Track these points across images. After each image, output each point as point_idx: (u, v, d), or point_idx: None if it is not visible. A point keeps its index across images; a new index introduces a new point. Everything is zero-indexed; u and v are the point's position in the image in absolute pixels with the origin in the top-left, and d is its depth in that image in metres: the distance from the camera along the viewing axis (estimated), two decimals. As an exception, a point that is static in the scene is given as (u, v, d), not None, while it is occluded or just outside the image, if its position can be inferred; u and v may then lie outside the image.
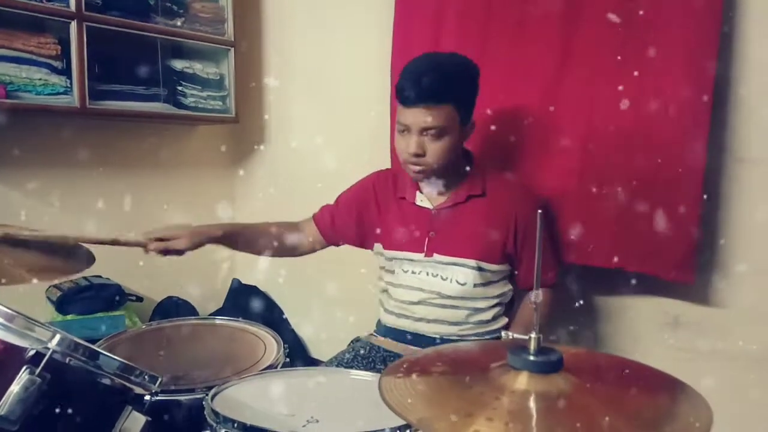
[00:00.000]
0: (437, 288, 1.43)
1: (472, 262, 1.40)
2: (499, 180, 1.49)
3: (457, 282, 1.42)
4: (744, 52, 1.37)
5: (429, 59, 1.39)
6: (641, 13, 1.40)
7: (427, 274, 1.44)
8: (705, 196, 1.37)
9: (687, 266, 1.39)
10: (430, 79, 1.31)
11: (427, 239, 1.44)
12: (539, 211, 0.74)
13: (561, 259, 1.54)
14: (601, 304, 1.65)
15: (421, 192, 1.48)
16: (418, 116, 1.33)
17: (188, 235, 1.40)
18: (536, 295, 0.77)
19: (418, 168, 1.38)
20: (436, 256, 1.43)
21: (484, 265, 1.41)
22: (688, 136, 1.36)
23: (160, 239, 1.38)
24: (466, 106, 1.38)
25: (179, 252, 1.40)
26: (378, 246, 1.54)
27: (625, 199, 1.44)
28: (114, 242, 1.32)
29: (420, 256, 1.44)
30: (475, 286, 1.41)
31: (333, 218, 1.59)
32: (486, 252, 1.41)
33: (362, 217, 1.56)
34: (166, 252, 1.38)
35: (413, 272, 1.46)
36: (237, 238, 1.52)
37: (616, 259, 1.47)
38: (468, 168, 1.47)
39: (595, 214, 1.49)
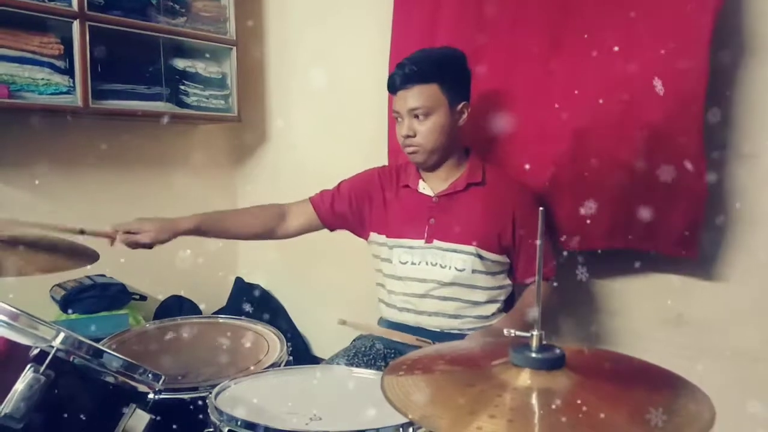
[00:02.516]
0: (436, 276, 1.44)
1: (471, 248, 1.42)
2: (497, 172, 1.52)
3: (456, 269, 1.43)
4: (748, 43, 1.37)
5: (419, 52, 1.48)
6: (636, 4, 1.40)
7: (426, 263, 1.45)
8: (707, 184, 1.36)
9: (691, 240, 1.38)
10: (411, 62, 1.43)
11: (427, 226, 1.46)
12: (541, 208, 0.74)
13: (558, 253, 1.53)
14: (604, 301, 1.64)
15: (423, 181, 1.51)
16: (405, 99, 1.43)
17: (155, 230, 1.44)
18: (538, 291, 0.77)
19: (412, 149, 1.45)
20: (436, 243, 1.45)
21: (483, 252, 1.43)
22: (686, 123, 1.34)
23: (128, 232, 1.43)
24: (452, 87, 1.44)
25: (147, 245, 1.45)
26: (380, 237, 1.55)
27: (625, 177, 1.42)
28: (81, 232, 1.36)
29: (420, 242, 1.46)
30: (473, 272, 1.42)
31: (333, 203, 1.60)
32: (485, 239, 1.43)
33: (362, 205, 1.58)
34: (133, 245, 1.44)
35: (412, 263, 1.47)
36: (214, 226, 1.55)
37: (617, 240, 1.46)
38: (467, 158, 1.51)
39: (594, 195, 1.48)
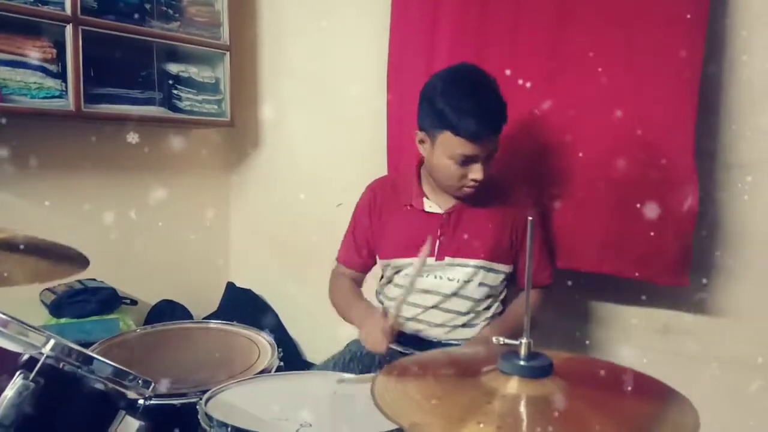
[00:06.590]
0: (443, 289, 1.45)
1: (481, 262, 1.43)
2: (503, 183, 1.50)
3: (464, 281, 1.44)
4: (736, 57, 1.39)
5: (482, 91, 1.36)
6: (630, 18, 1.42)
7: (435, 276, 1.45)
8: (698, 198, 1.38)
9: (681, 269, 1.40)
10: (497, 115, 1.35)
11: (437, 242, 1.45)
12: (529, 218, 0.75)
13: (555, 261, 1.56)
14: (593, 309, 1.66)
15: (428, 198, 1.49)
16: (486, 147, 1.35)
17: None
18: (527, 300, 0.78)
19: (475, 190, 1.39)
20: (447, 259, 1.45)
21: (491, 264, 1.44)
22: (677, 141, 1.37)
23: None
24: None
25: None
26: (388, 260, 1.53)
27: (617, 205, 1.45)
28: None
29: (430, 260, 1.45)
30: (480, 285, 1.44)
31: (358, 251, 1.58)
32: (494, 251, 1.44)
33: (374, 230, 1.56)
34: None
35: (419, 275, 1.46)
36: None
37: (609, 265, 1.48)
38: None
39: (588, 220, 1.51)
